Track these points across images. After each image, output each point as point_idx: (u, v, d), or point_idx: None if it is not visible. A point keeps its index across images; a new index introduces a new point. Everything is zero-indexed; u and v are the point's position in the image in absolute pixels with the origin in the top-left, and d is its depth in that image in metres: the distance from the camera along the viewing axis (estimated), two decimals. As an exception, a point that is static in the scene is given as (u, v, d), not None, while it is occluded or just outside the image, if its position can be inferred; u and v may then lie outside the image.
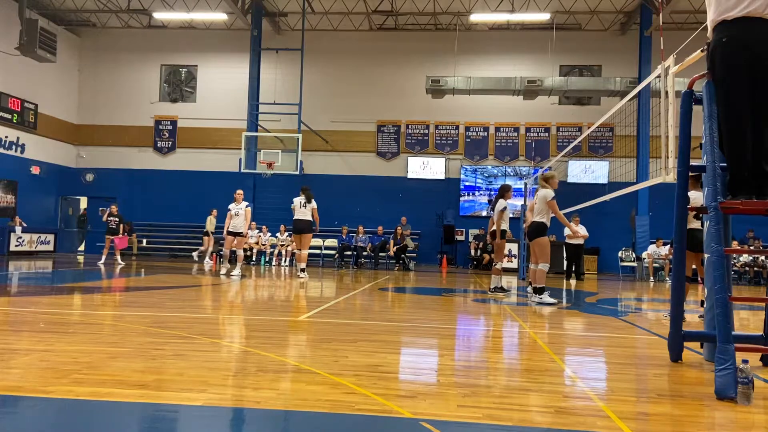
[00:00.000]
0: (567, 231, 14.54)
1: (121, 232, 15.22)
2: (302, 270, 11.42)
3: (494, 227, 9.63)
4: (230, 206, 11.51)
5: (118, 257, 15.17)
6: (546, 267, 8.09)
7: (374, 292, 9.44)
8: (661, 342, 4.59)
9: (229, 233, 11.48)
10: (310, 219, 11.19)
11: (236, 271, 11.37)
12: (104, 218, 15.28)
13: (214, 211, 17.82)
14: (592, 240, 15.36)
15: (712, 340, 3.53)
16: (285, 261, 17.49)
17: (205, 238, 17.62)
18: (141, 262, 16.83)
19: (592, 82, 18.82)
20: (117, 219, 15.19)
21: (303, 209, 11.10)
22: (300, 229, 11.13)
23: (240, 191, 11.73)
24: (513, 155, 20.67)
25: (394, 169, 20.93)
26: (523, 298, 8.90)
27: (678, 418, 2.76)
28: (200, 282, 10.57)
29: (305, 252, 11.53)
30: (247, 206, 11.45)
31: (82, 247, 22.12)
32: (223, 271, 11.73)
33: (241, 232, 11.55)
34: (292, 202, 11.19)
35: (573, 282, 13.82)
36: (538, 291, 7.99)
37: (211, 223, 17.69)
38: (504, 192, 9.66)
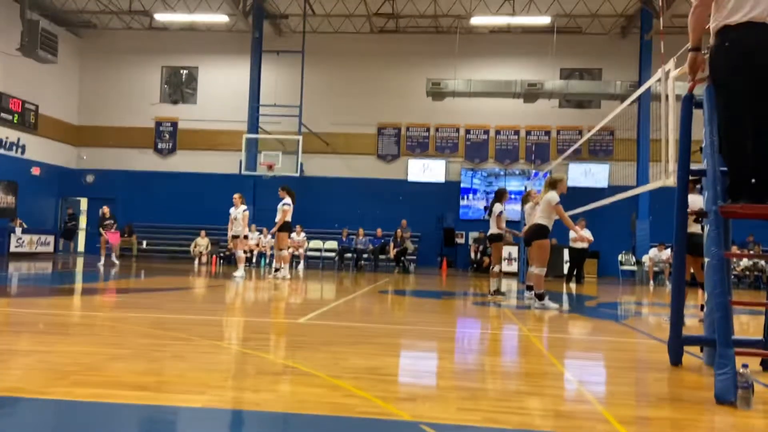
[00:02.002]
0: (572, 234, 14.53)
1: (113, 228, 15.23)
2: (277, 270, 11.47)
3: (491, 231, 9.62)
4: (231, 210, 11.66)
5: (113, 256, 15.09)
6: (543, 271, 8.01)
7: (374, 295, 9.44)
8: (661, 346, 4.58)
9: (233, 237, 11.72)
10: None
11: (239, 272, 11.40)
12: (100, 224, 15.32)
13: (203, 232, 17.96)
14: (592, 243, 15.32)
15: (712, 345, 3.52)
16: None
17: (195, 249, 17.88)
18: (141, 263, 16.83)
19: (592, 85, 18.83)
20: (111, 220, 15.21)
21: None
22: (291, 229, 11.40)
23: (237, 195, 11.80)
24: (513, 158, 20.68)
25: (394, 172, 20.94)
26: (523, 301, 8.89)
27: (678, 423, 2.76)
28: (200, 284, 10.58)
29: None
30: (244, 210, 11.55)
31: (78, 248, 22.05)
32: (239, 273, 11.53)
33: (246, 235, 11.80)
34: (289, 204, 11.06)
35: (573, 286, 13.81)
36: (539, 296, 7.92)
37: (198, 245, 17.86)
38: (500, 196, 9.61)
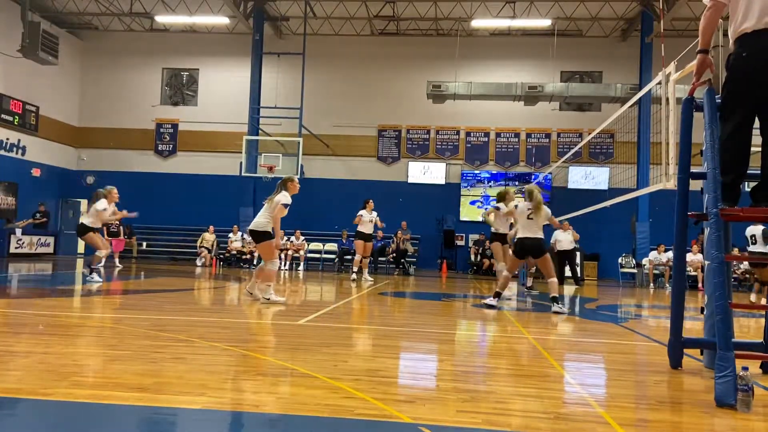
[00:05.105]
0: (553, 238, 14.56)
1: (120, 234, 15.23)
2: (360, 272, 12.61)
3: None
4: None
5: (116, 260, 15.16)
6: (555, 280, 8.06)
7: (374, 297, 9.43)
8: (661, 349, 4.58)
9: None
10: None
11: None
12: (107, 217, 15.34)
13: (211, 227, 18.27)
14: (593, 246, 15.33)
15: (712, 347, 3.52)
16: (284, 265, 17.48)
17: (202, 245, 18.00)
18: (141, 265, 16.82)
19: (592, 88, 18.84)
20: (118, 221, 15.20)
21: (369, 223, 12.37)
22: (366, 237, 12.47)
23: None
24: (513, 161, 20.68)
25: (394, 174, 20.94)
26: (523, 303, 8.89)
27: (678, 425, 2.76)
28: (199, 286, 10.57)
29: (365, 259, 12.86)
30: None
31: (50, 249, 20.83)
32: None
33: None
34: (361, 215, 12.29)
35: (569, 288, 13.79)
36: (555, 300, 7.88)
37: (205, 239, 18.03)
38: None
